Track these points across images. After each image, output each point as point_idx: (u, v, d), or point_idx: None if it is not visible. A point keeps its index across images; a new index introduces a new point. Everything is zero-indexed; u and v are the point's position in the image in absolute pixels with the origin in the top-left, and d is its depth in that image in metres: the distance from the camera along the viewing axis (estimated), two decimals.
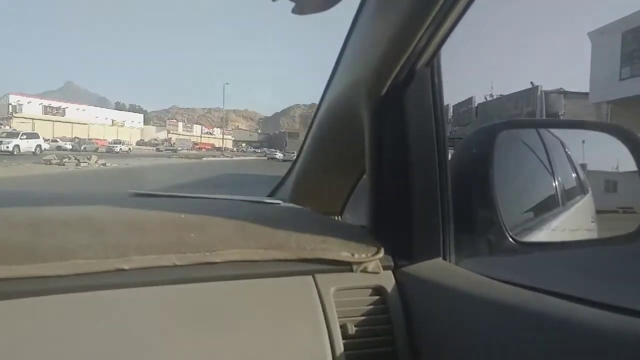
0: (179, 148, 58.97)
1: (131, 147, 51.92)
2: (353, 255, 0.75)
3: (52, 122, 60.69)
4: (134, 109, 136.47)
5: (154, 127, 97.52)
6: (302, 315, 0.70)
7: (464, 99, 32.53)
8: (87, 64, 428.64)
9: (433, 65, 0.78)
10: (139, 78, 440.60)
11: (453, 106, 36.85)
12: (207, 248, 0.69)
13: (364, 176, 0.98)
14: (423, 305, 0.73)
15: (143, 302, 0.62)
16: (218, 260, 0.69)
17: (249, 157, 53.93)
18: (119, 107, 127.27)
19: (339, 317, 0.71)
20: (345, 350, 0.69)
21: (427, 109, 0.78)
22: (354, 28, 0.85)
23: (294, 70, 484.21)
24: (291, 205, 1.11)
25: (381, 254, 0.77)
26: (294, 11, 0.72)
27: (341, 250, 0.75)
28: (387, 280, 0.76)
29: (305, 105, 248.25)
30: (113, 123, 78.25)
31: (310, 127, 1.11)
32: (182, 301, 0.64)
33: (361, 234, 0.85)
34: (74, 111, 69.38)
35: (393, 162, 0.81)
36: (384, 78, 0.77)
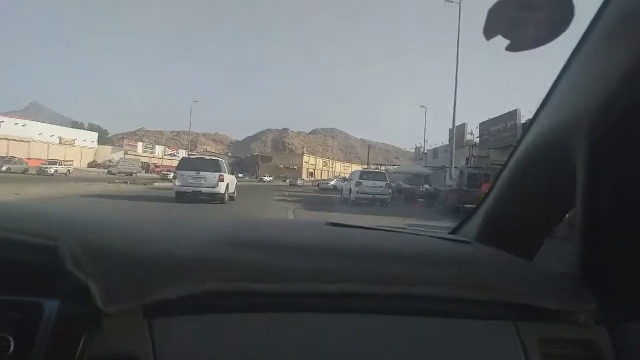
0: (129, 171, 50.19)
1: (71, 168, 43.20)
2: (561, 304, 0.69)
3: None
4: (92, 128, 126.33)
5: (110, 147, 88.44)
6: None
7: (500, 113, 25.63)
8: (53, 85, 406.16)
9: None
10: (105, 99, 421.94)
11: (480, 124, 30.20)
12: (408, 281, 0.69)
13: (565, 217, 0.92)
14: None
15: (347, 327, 0.66)
16: (418, 294, 0.68)
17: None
18: (77, 126, 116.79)
19: None
20: None
21: None
22: (573, 60, 0.77)
23: (265, 94, 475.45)
24: (481, 245, 1.00)
25: (593, 305, 0.70)
26: (507, 48, 0.70)
27: (547, 298, 0.69)
28: (600, 336, 0.70)
29: (277, 130, 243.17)
30: (61, 141, 69.24)
31: (507, 162, 1.00)
32: (382, 331, 0.66)
33: (568, 281, 0.77)
34: (11, 126, 60.23)
35: (616, 205, 0.72)
36: (610, 113, 0.70)
